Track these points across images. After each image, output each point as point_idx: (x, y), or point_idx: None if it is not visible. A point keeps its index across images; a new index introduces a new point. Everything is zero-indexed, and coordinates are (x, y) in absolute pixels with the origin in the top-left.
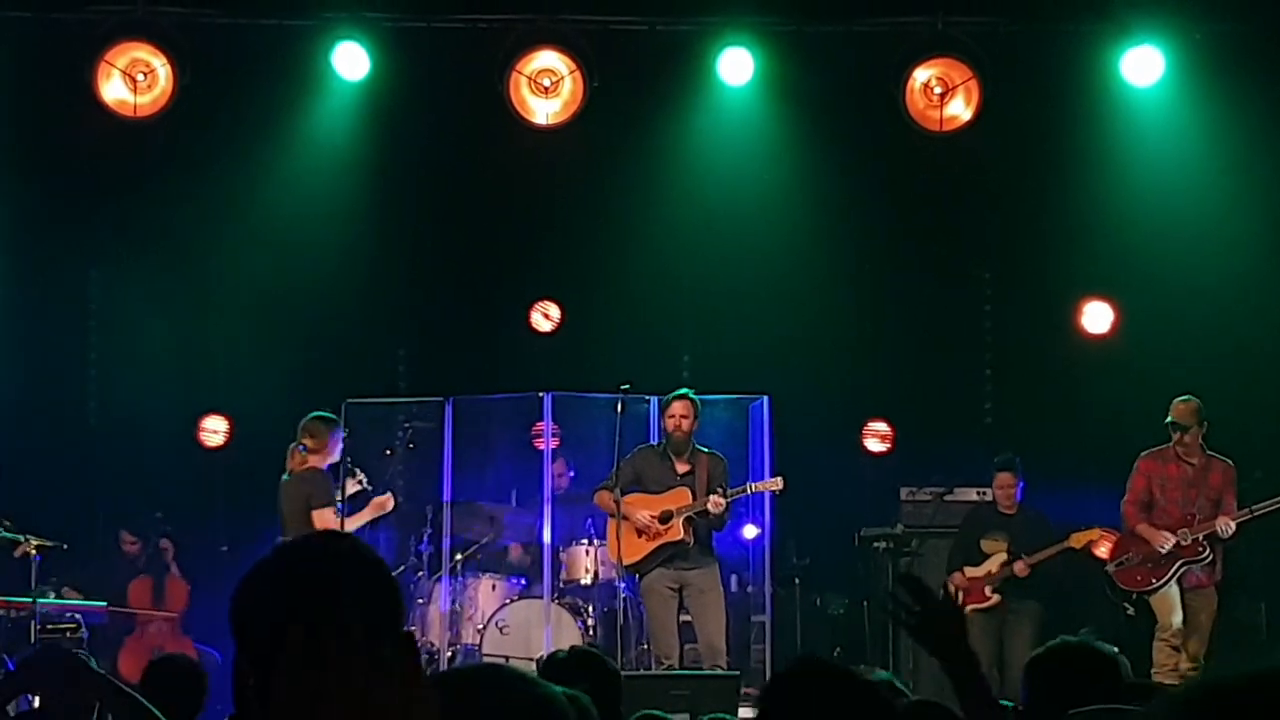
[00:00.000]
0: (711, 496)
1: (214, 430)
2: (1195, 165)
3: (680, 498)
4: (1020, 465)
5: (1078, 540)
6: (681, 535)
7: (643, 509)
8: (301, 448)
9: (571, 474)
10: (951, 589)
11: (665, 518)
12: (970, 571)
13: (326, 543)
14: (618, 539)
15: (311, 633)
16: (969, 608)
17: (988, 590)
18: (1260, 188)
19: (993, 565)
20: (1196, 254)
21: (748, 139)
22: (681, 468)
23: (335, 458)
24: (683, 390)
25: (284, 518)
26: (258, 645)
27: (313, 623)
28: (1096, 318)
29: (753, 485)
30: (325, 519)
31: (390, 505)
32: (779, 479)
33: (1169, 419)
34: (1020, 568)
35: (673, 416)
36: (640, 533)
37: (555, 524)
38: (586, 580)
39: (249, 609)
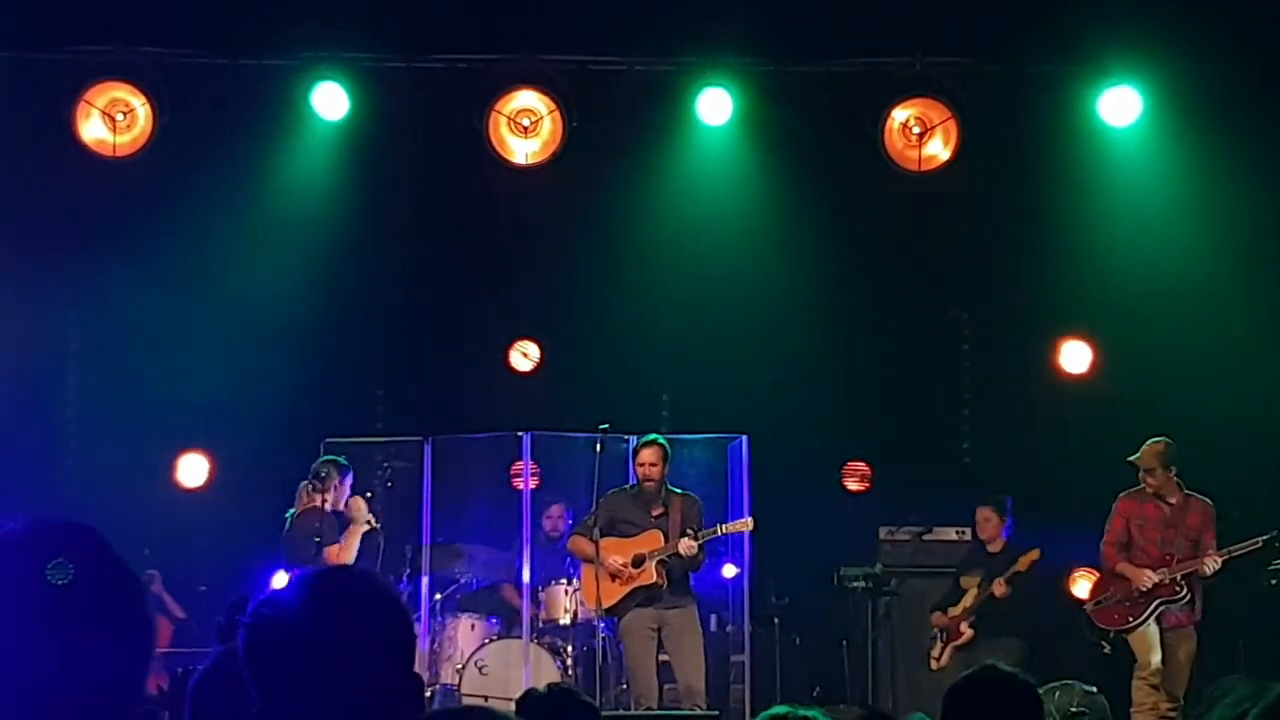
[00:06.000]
0: (683, 540)
1: (193, 469)
2: (1172, 205)
3: (652, 541)
4: (1008, 505)
5: (1022, 563)
6: (654, 579)
7: (615, 554)
8: (311, 486)
9: (569, 519)
10: (935, 631)
11: (638, 561)
12: (951, 611)
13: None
14: (595, 584)
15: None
16: (950, 645)
17: (963, 626)
18: (1236, 227)
19: (968, 600)
20: (1174, 293)
21: (726, 179)
22: (655, 510)
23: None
24: (651, 436)
25: (288, 554)
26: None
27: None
28: (1075, 357)
29: (722, 527)
30: (332, 555)
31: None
32: (749, 520)
33: (1133, 458)
34: (998, 586)
35: (642, 465)
36: (614, 577)
37: (535, 564)
38: (565, 620)
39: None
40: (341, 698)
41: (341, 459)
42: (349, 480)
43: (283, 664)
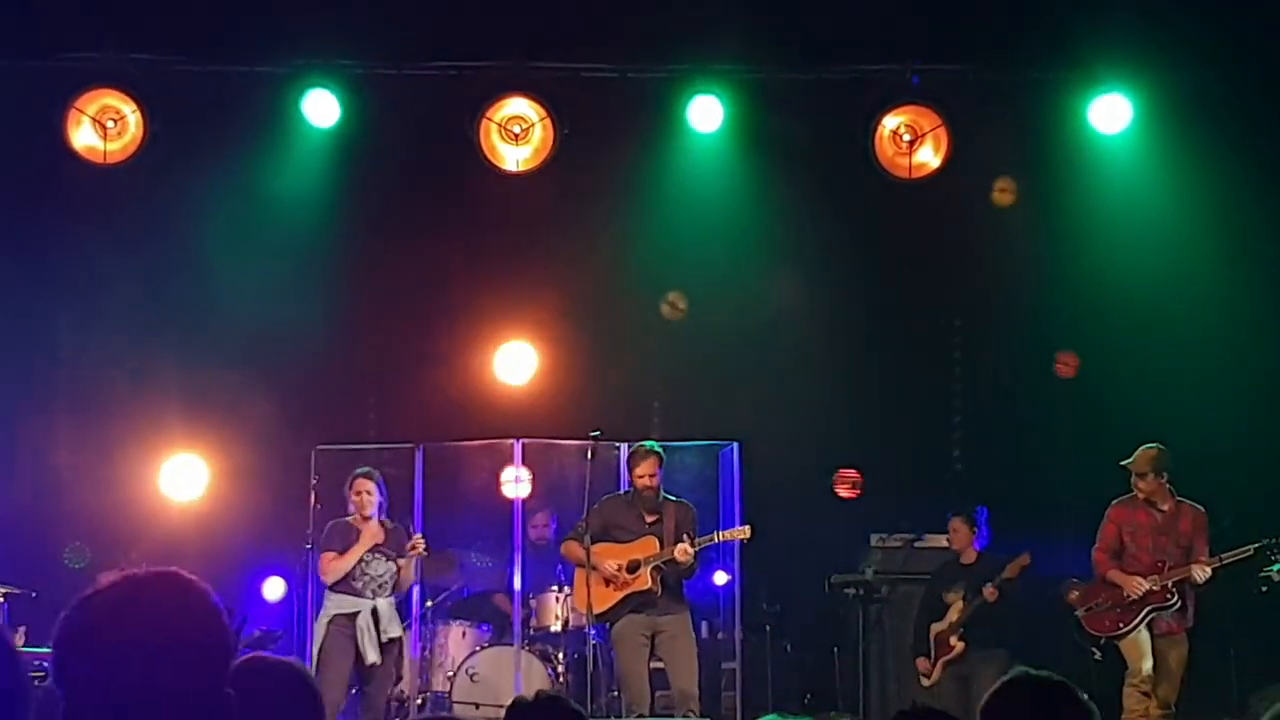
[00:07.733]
0: (679, 545)
1: (184, 477)
2: (1163, 212)
3: (648, 547)
4: (982, 516)
5: (1012, 569)
6: (649, 585)
7: (610, 559)
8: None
9: (553, 526)
10: (927, 645)
11: (633, 567)
12: (936, 627)
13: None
14: (587, 589)
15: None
16: (940, 660)
17: (953, 640)
18: (1227, 233)
19: (953, 614)
20: (1165, 301)
21: (717, 186)
22: (650, 517)
23: (351, 508)
24: (648, 446)
25: None
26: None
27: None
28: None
29: (720, 534)
30: (322, 560)
31: (380, 537)
32: (746, 528)
33: (1126, 462)
34: (989, 591)
35: (641, 477)
36: (608, 582)
37: (526, 571)
38: (556, 627)
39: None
40: (133, 703)
41: (374, 472)
42: (359, 489)
43: (80, 662)
